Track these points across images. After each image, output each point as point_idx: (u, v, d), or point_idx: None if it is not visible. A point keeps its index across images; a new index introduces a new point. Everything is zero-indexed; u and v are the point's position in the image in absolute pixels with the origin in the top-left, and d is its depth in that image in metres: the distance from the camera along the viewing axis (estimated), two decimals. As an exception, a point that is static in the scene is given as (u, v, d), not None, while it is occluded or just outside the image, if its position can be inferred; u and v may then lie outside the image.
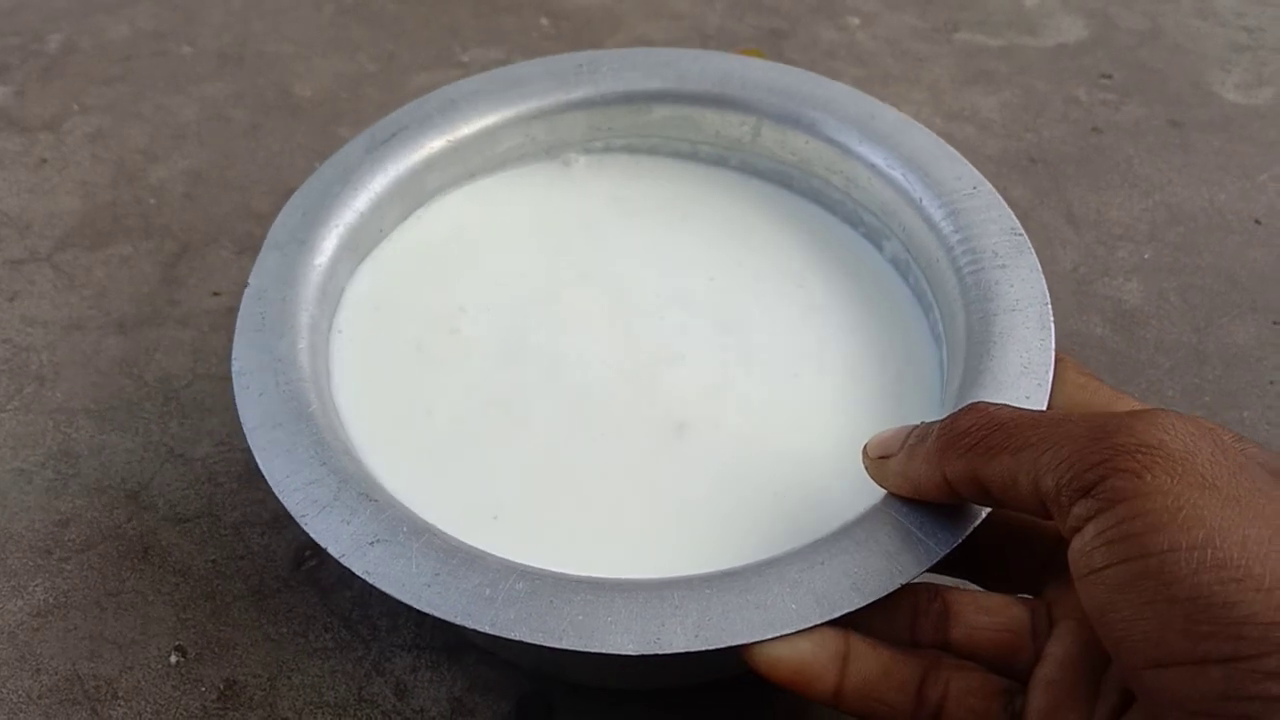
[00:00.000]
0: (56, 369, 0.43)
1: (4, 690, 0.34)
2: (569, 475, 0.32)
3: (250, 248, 0.48)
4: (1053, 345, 0.31)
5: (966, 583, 0.30)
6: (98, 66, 0.59)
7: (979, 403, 0.26)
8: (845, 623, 0.26)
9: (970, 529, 0.27)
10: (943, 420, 0.26)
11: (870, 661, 0.26)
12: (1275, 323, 0.46)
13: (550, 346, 0.35)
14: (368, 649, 0.35)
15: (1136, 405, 0.28)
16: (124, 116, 0.55)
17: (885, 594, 0.26)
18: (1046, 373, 0.30)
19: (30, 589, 0.36)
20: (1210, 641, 0.20)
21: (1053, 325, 0.31)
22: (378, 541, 0.27)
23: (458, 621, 0.26)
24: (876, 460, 0.28)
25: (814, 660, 0.26)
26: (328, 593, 0.37)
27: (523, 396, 0.33)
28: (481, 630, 0.25)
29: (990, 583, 0.30)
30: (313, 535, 0.27)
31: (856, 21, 0.64)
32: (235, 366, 0.31)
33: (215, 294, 0.46)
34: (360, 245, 0.36)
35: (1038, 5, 0.65)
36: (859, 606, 0.26)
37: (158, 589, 0.37)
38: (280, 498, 0.28)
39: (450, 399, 0.34)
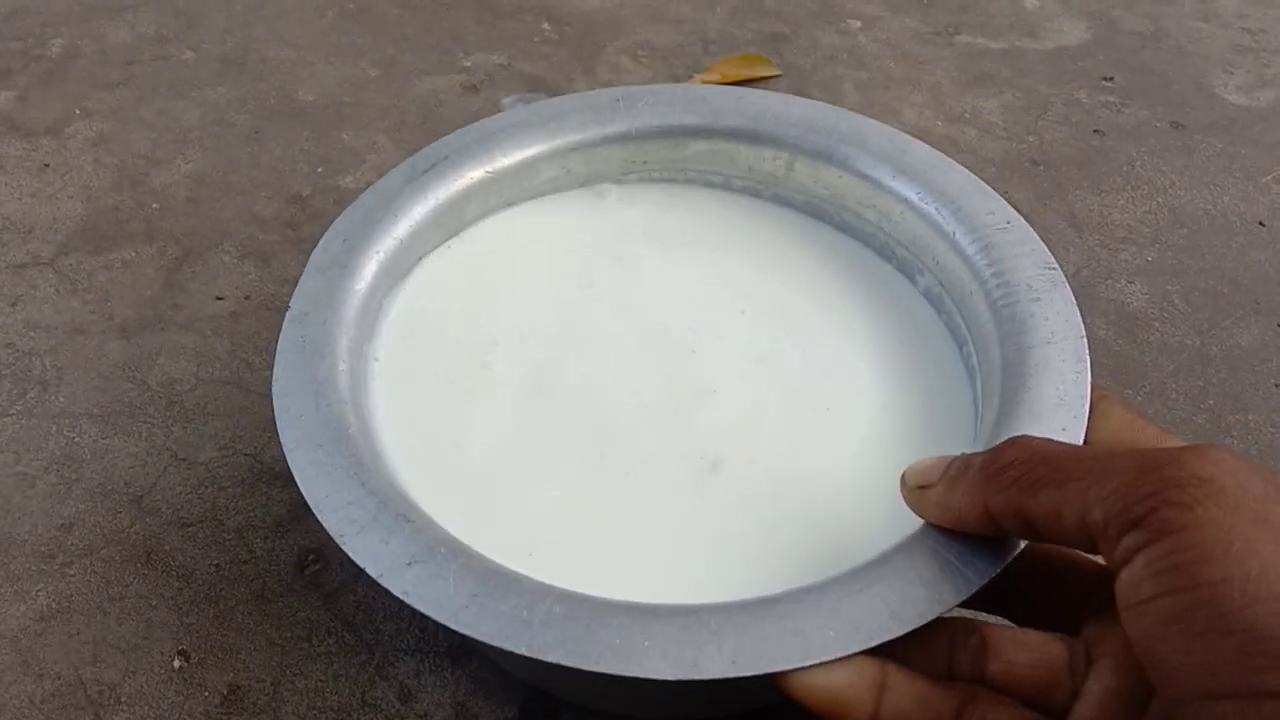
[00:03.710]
0: (59, 373, 0.43)
1: (7, 695, 0.34)
2: (603, 514, 0.31)
3: (253, 252, 0.48)
4: (1089, 379, 0.30)
5: (1003, 620, 0.30)
6: (100, 71, 0.59)
7: (1023, 436, 0.26)
8: (882, 653, 0.26)
9: (1009, 559, 0.27)
10: (986, 452, 0.26)
11: (907, 692, 0.26)
12: (1279, 325, 0.46)
13: (582, 381, 0.34)
14: (371, 653, 0.35)
15: (1184, 445, 0.28)
16: (126, 121, 0.55)
17: (924, 623, 0.26)
18: (1083, 405, 0.30)
19: (33, 594, 0.36)
20: (1264, 674, 0.20)
21: (1089, 359, 0.31)
22: (415, 562, 0.27)
23: (494, 643, 0.26)
24: (915, 490, 0.28)
25: (851, 689, 0.25)
26: (331, 597, 0.36)
27: (555, 433, 0.33)
28: (518, 653, 0.25)
29: (1026, 622, 0.30)
30: (351, 555, 0.27)
31: (858, 25, 0.64)
32: (276, 388, 0.31)
33: (218, 298, 0.46)
34: (399, 271, 0.36)
35: (1039, 8, 0.66)
36: (897, 635, 0.26)
37: (161, 593, 0.36)
38: (320, 518, 0.28)
39: (482, 434, 0.33)
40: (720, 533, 0.31)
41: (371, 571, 0.27)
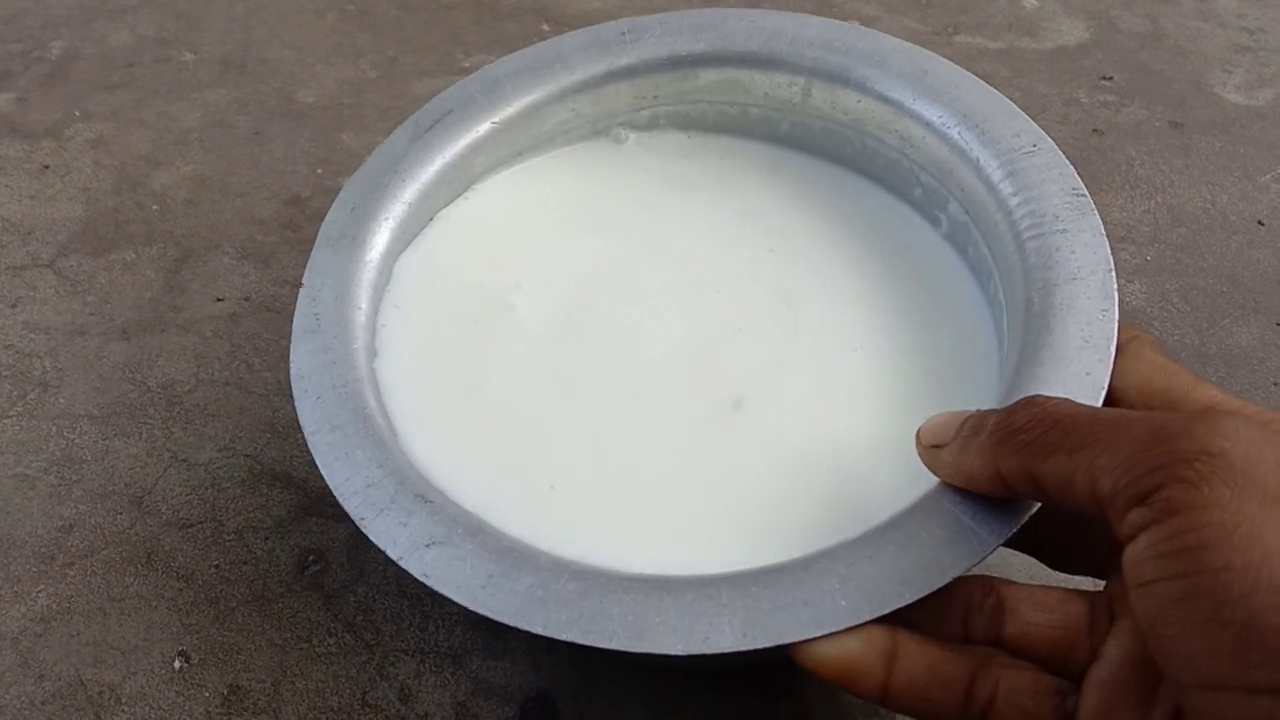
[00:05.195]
0: (59, 375, 0.43)
1: (7, 697, 0.34)
2: (625, 448, 0.32)
3: (253, 253, 0.48)
4: (1116, 316, 0.29)
5: (1029, 560, 0.30)
6: (100, 73, 0.59)
7: (1036, 397, 0.25)
8: (897, 619, 0.25)
9: (1024, 519, 0.26)
10: (999, 413, 0.26)
11: (918, 659, 0.25)
12: (1278, 324, 0.46)
13: (606, 322, 0.34)
14: (371, 654, 0.35)
15: (1215, 392, 0.27)
16: (126, 123, 0.56)
17: (934, 590, 0.26)
18: (1109, 347, 0.28)
19: (33, 595, 0.36)
20: (1261, 669, 0.19)
21: (1116, 294, 0.29)
22: (434, 544, 0.27)
23: (512, 624, 0.26)
24: (929, 448, 0.27)
25: (861, 658, 0.25)
26: (331, 598, 0.36)
27: (578, 371, 0.33)
28: (534, 632, 0.26)
29: (1055, 561, 0.29)
30: (372, 538, 0.28)
31: (857, 25, 0.64)
32: (294, 370, 0.31)
33: (218, 300, 0.46)
34: (412, 233, 0.36)
35: (1038, 8, 0.66)
36: (907, 603, 0.25)
37: (161, 594, 0.37)
38: (340, 501, 0.28)
39: (504, 373, 0.33)
40: (742, 468, 0.31)
41: (392, 554, 0.27)
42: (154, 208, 0.51)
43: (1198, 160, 0.55)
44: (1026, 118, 0.34)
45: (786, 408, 0.32)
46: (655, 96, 0.39)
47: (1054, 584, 0.28)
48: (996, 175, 0.33)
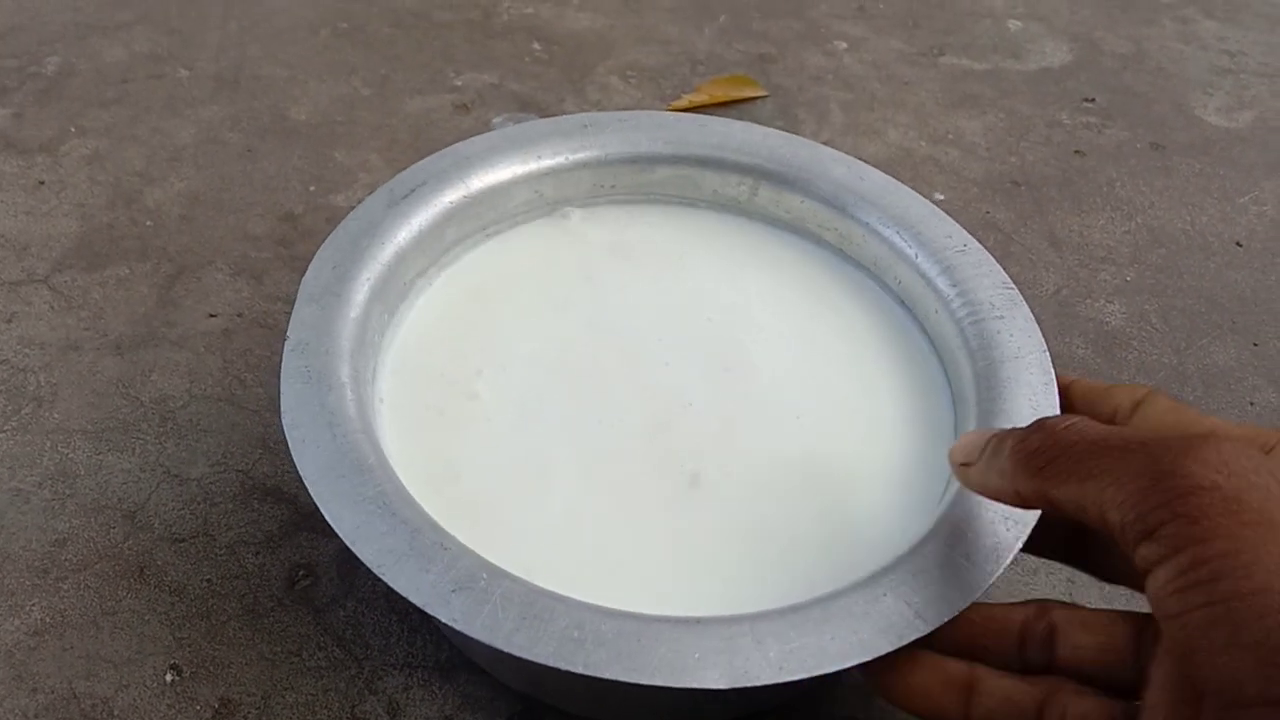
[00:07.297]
0: (54, 390, 0.44)
1: (0, 710, 0.34)
2: (595, 534, 0.32)
3: (245, 270, 0.49)
4: (1056, 392, 0.33)
5: (1081, 575, 0.32)
6: (95, 89, 0.59)
7: (1047, 420, 0.27)
8: (965, 650, 0.28)
9: (1012, 556, 0.29)
10: (1015, 436, 0.27)
11: (993, 690, 0.27)
12: (1255, 344, 0.47)
13: (565, 406, 0.35)
14: (360, 668, 0.36)
15: (1217, 422, 0.30)
16: (121, 139, 0.56)
17: (951, 618, 0.27)
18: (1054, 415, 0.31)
19: (27, 608, 0.37)
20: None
21: (1053, 373, 0.33)
22: (459, 590, 0.27)
23: (551, 664, 0.26)
24: (959, 466, 0.29)
25: (943, 692, 0.27)
26: (321, 612, 0.37)
27: (542, 459, 0.34)
28: (574, 671, 0.26)
29: (1101, 573, 0.31)
30: (393, 586, 0.27)
31: (843, 46, 0.65)
32: (287, 420, 0.31)
33: (211, 315, 0.47)
34: (389, 298, 0.37)
35: (1022, 29, 0.67)
36: (924, 634, 0.27)
37: (153, 608, 0.37)
38: (354, 550, 0.28)
39: (475, 464, 0.34)
40: (705, 546, 0.32)
41: (417, 601, 0.27)
42: (148, 224, 0.51)
43: (1178, 182, 0.56)
44: (955, 223, 0.38)
45: (739, 481, 0.33)
46: (613, 185, 0.42)
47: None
48: (932, 270, 0.37)
